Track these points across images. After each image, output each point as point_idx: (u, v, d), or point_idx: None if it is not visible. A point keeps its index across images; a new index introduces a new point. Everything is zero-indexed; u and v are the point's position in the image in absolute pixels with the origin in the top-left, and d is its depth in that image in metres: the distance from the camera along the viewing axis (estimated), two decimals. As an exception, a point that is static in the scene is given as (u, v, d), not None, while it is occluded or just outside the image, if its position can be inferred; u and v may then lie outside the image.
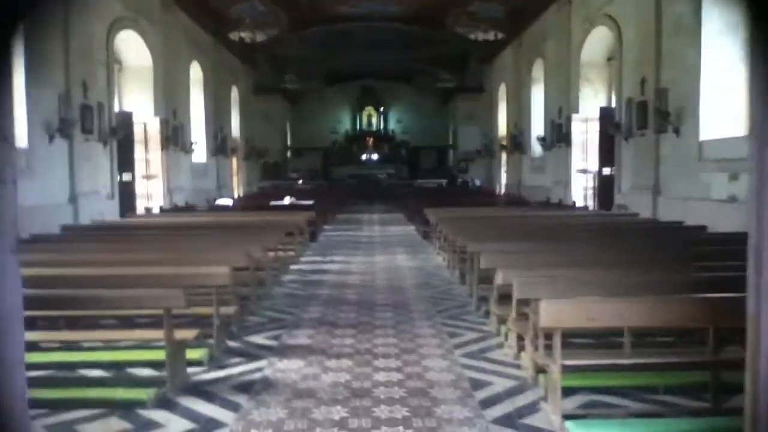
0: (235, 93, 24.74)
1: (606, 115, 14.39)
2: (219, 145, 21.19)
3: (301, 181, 28.46)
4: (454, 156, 32.58)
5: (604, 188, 14.74)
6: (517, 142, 21.90)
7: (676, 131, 10.64)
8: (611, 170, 14.34)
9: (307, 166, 32.99)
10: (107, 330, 5.02)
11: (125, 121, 13.96)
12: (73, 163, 11.53)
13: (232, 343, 5.59)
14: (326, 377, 4.66)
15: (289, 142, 34.12)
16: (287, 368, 4.89)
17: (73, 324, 5.24)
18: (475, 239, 7.00)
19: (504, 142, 24.80)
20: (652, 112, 11.39)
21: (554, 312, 3.62)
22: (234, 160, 24.58)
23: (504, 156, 25.04)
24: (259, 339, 5.77)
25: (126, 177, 14.03)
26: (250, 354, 5.30)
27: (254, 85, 28.00)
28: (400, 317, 6.56)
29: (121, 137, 13.38)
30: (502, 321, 5.61)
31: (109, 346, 5.00)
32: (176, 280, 4.70)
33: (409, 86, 34.74)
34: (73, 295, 4.19)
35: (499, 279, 4.86)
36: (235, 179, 24.79)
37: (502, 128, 25.39)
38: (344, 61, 29.06)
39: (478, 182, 28.14)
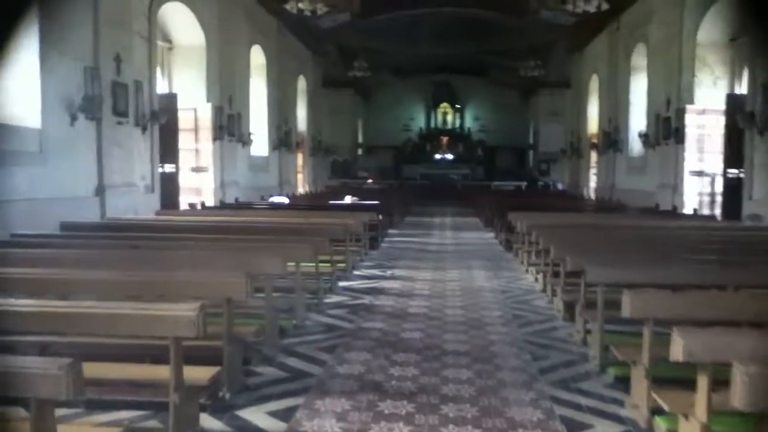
0: (302, 83, 22.99)
1: (735, 104, 11.81)
2: (282, 138, 19.50)
3: (370, 181, 26.88)
4: (534, 157, 29.98)
5: (730, 194, 12.17)
6: (612, 140, 19.31)
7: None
8: (739, 172, 11.78)
9: (378, 165, 31.24)
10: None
11: (169, 104, 12.33)
12: (101, 149, 9.83)
13: (213, 424, 3.48)
14: None
15: (360, 140, 32.33)
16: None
17: None
18: (589, 259, 4.76)
19: (594, 141, 22.22)
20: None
21: None
22: (300, 156, 22.95)
23: (594, 156, 22.45)
24: (259, 418, 3.60)
25: (169, 168, 12.48)
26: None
27: (323, 77, 26.26)
28: (482, 380, 4.29)
29: (163, 122, 11.75)
30: (658, 410, 3.33)
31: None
32: (105, 327, 2.67)
33: (487, 81, 32.14)
34: None
35: (678, 352, 2.59)
36: (300, 176, 23.15)
37: (592, 125, 22.76)
38: (415, 54, 26.90)
39: (560, 185, 25.64)
